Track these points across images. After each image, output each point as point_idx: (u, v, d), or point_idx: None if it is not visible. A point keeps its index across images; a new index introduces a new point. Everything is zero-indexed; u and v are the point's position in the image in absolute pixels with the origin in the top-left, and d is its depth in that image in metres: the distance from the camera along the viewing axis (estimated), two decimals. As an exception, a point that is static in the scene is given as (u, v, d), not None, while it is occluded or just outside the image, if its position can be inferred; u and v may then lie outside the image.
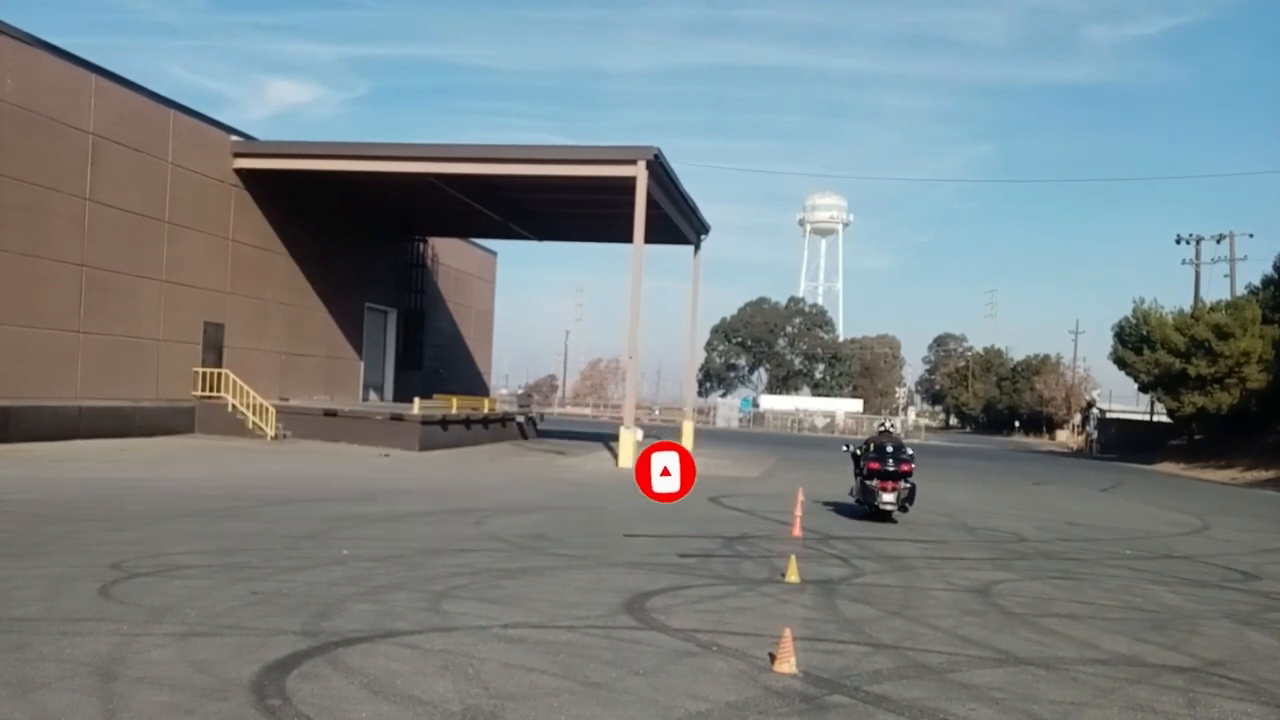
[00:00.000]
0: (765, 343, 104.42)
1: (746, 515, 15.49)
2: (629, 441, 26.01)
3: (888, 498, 14.68)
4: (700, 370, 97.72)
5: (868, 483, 14.97)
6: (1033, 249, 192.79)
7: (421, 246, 40.69)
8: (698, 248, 37.28)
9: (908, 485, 14.86)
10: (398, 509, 14.01)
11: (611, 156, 27.72)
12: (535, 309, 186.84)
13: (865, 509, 15.23)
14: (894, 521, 15.02)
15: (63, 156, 22.95)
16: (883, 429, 16.10)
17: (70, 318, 23.41)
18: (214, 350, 28.35)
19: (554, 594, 8.39)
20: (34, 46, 22.24)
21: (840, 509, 16.36)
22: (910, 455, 15.14)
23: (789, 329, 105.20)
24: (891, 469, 14.75)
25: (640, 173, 26.75)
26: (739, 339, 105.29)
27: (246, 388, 27.82)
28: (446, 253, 43.33)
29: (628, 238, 28.12)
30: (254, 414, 27.57)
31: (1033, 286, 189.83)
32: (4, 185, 21.52)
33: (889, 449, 14.93)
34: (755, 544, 12.16)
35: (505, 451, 30.18)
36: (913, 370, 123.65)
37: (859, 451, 15.61)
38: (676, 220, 33.13)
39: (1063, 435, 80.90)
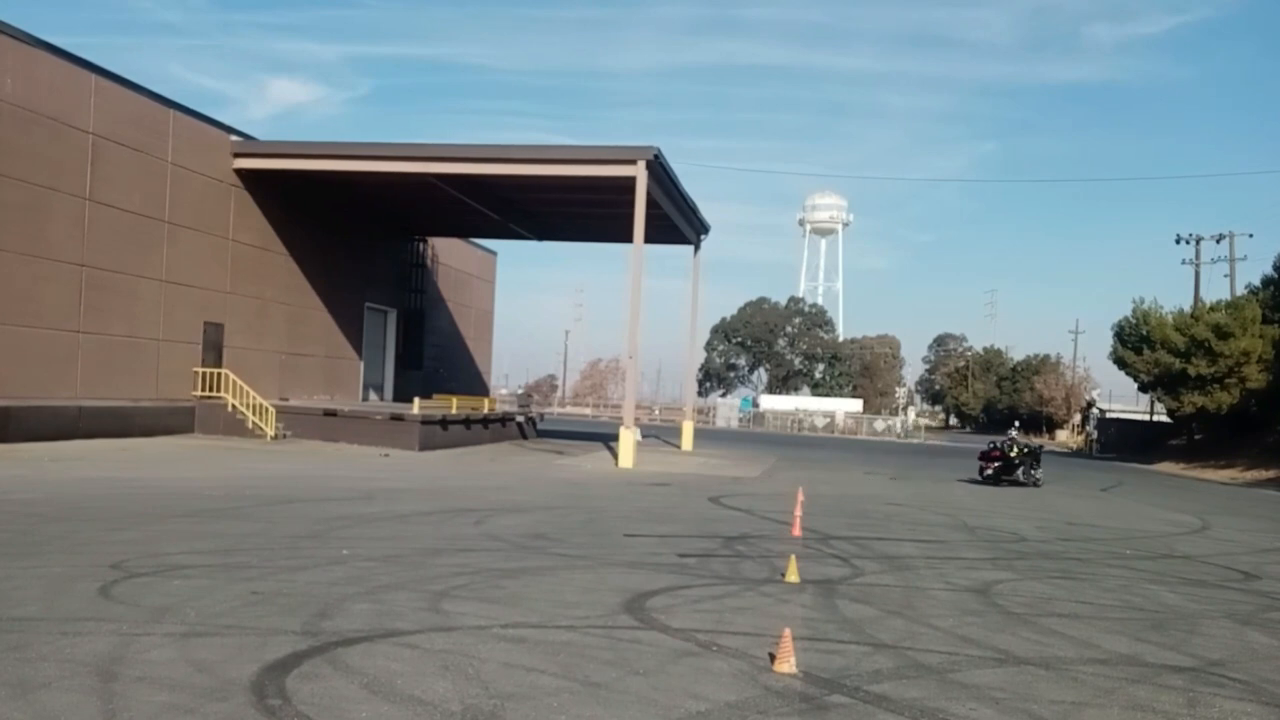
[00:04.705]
0: (765, 343, 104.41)
1: (746, 515, 15.50)
2: (629, 441, 26.00)
3: (985, 470, 24.99)
4: (700, 370, 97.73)
5: (979, 460, 25.36)
6: (1033, 249, 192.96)
7: (421, 246, 40.69)
8: (697, 248, 37.29)
9: (999, 464, 24.89)
10: (397, 509, 14.01)
11: (611, 156, 27.71)
12: (535, 309, 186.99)
13: (980, 476, 25.05)
14: (999, 485, 24.52)
15: (63, 156, 22.95)
16: (1009, 433, 26.65)
17: (70, 318, 23.41)
18: (214, 350, 28.35)
19: (554, 594, 8.39)
20: (34, 46, 22.23)
21: (971, 480, 25.64)
22: (1013, 451, 25.13)
23: (789, 329, 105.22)
24: (986, 454, 25.22)
25: (640, 173, 26.75)
26: (739, 339, 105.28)
27: (246, 388, 27.82)
28: (446, 253, 43.33)
29: (627, 238, 28.13)
30: (254, 414, 27.57)
31: (1033, 286, 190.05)
32: (4, 185, 21.52)
33: (996, 443, 25.57)
34: (755, 544, 12.16)
35: (505, 451, 30.17)
36: (913, 370, 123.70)
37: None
38: (676, 220, 33.14)
39: (1063, 435, 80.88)
